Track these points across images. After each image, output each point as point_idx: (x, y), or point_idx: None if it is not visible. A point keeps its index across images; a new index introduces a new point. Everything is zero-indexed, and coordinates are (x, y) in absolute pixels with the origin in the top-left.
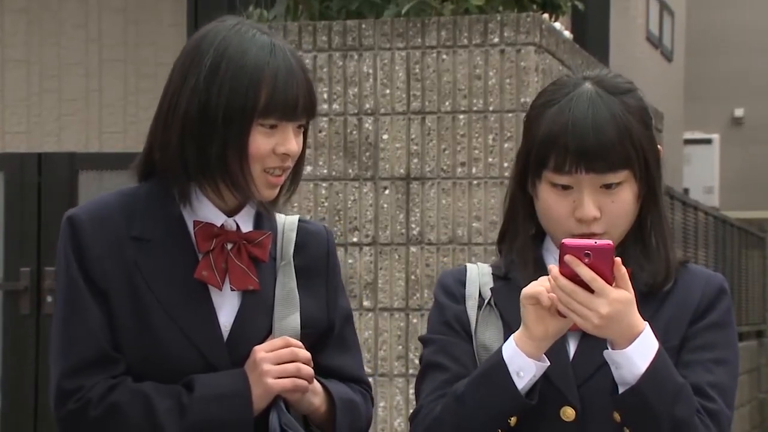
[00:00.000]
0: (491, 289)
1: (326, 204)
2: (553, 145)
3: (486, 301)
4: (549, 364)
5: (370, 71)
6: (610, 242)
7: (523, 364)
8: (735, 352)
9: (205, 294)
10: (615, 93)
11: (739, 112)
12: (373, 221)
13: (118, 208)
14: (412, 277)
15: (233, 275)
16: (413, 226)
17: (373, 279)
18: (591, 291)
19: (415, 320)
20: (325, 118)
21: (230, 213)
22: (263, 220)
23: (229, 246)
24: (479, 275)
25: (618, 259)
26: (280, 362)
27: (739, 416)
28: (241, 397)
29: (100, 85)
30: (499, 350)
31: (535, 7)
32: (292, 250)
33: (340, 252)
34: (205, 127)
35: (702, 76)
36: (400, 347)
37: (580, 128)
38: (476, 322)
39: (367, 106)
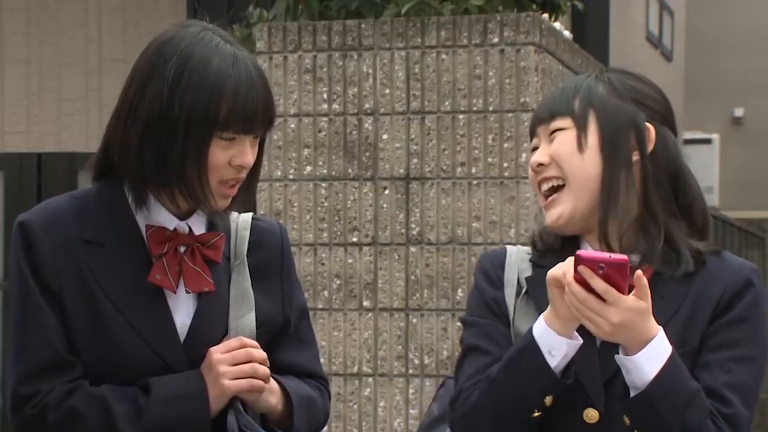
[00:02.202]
0: (527, 278)
1: (326, 204)
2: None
3: (524, 290)
4: (581, 341)
5: (370, 71)
6: (626, 257)
7: (554, 343)
8: (761, 347)
9: (160, 297)
10: (629, 79)
11: (739, 112)
12: (372, 221)
13: (70, 211)
14: (412, 277)
15: (188, 278)
16: (413, 226)
17: (373, 279)
18: (604, 300)
19: (414, 320)
20: (324, 118)
21: (183, 216)
22: (216, 221)
23: (183, 249)
24: (518, 261)
25: (639, 272)
26: (235, 363)
27: None
28: (198, 398)
29: (100, 84)
30: (530, 330)
31: (534, 7)
32: (245, 249)
33: (339, 252)
34: (166, 136)
35: (702, 76)
36: (400, 347)
37: (550, 94)
38: (514, 310)
39: (367, 106)
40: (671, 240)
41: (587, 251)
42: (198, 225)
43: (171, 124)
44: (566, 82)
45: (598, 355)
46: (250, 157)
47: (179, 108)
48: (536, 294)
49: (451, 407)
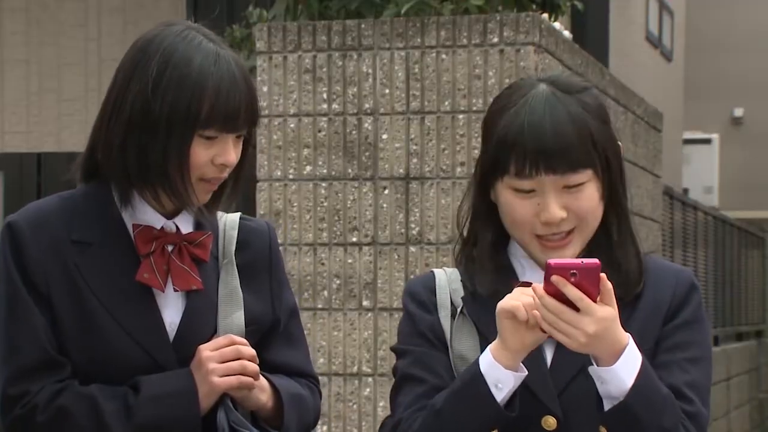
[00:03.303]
0: (462, 298)
1: (325, 204)
2: (512, 149)
3: (459, 310)
4: (527, 373)
5: (370, 71)
6: (597, 261)
7: (501, 377)
8: (708, 348)
9: (148, 296)
10: (571, 92)
11: (738, 112)
12: (372, 221)
13: (57, 211)
14: (412, 276)
15: (175, 276)
16: (412, 225)
17: (373, 279)
18: (576, 309)
19: None
20: (324, 118)
21: (170, 215)
22: (204, 221)
23: (170, 248)
24: (448, 282)
25: (603, 275)
26: (224, 360)
27: (739, 416)
28: (188, 396)
29: (100, 84)
30: (476, 363)
31: (534, 7)
32: (233, 249)
33: (339, 251)
34: (148, 134)
35: (702, 75)
36: None
37: (537, 129)
38: (451, 332)
39: (367, 105)
40: (623, 257)
41: (557, 260)
42: (185, 224)
43: (153, 122)
44: (551, 115)
45: (553, 361)
46: (232, 156)
47: (161, 106)
48: (472, 313)
49: None
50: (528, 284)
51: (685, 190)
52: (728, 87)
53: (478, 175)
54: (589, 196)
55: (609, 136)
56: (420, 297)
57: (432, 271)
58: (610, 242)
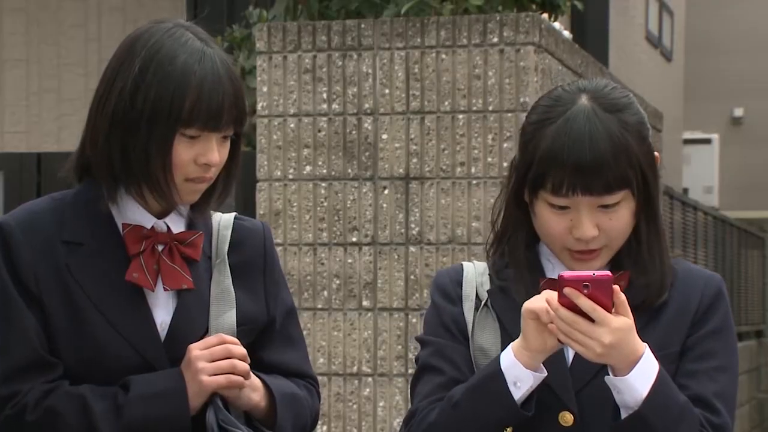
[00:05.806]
0: (488, 291)
1: (325, 204)
2: (550, 167)
3: (483, 303)
4: (546, 374)
5: (370, 71)
6: (609, 273)
7: (520, 375)
8: (735, 357)
9: (139, 295)
10: (612, 110)
11: (738, 112)
12: (372, 221)
13: (48, 212)
14: (412, 277)
15: (166, 276)
16: (412, 225)
17: (373, 279)
18: (591, 320)
19: (414, 320)
20: (324, 118)
21: (160, 214)
22: (197, 220)
23: (161, 247)
24: (476, 275)
25: (617, 287)
26: (214, 359)
27: (739, 416)
28: (177, 395)
29: None
30: (497, 359)
31: (534, 6)
32: (226, 248)
33: (339, 251)
34: (130, 131)
35: (702, 76)
36: (400, 347)
37: (576, 151)
38: (473, 324)
39: (367, 105)
40: (651, 263)
41: (569, 272)
42: (176, 223)
43: (135, 119)
44: (590, 137)
45: (570, 366)
46: (215, 156)
47: (143, 103)
48: (497, 306)
49: (405, 425)
50: (554, 281)
51: (685, 190)
52: (728, 87)
53: (514, 179)
54: (623, 216)
55: (647, 151)
56: (446, 289)
57: (461, 264)
58: (640, 248)
